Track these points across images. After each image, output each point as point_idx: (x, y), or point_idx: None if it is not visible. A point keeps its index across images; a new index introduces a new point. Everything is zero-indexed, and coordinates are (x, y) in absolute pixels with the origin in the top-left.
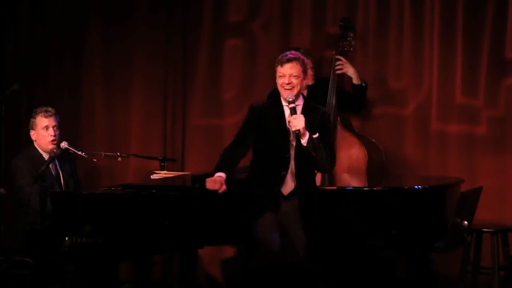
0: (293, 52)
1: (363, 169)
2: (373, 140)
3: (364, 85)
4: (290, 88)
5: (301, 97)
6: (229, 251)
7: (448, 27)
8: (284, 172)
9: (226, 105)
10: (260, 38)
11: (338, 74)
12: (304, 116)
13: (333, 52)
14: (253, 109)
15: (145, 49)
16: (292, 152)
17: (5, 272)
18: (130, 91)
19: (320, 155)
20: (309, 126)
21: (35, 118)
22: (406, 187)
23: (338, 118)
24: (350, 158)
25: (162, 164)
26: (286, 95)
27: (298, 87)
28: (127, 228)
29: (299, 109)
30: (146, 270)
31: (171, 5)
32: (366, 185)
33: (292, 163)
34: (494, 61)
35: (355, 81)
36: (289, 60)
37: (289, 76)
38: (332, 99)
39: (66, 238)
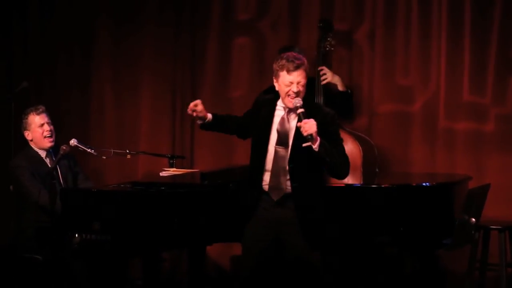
0: (296, 55)
1: (359, 164)
2: (364, 136)
3: (349, 92)
4: (295, 96)
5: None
6: (237, 248)
7: (456, 25)
8: (260, 176)
9: (235, 102)
10: (268, 37)
11: (323, 74)
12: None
13: (315, 54)
14: (256, 102)
15: (154, 47)
16: (284, 154)
17: (16, 269)
18: (139, 88)
19: (334, 160)
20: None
21: (27, 118)
22: (414, 184)
23: None
24: None
25: (171, 161)
26: (294, 102)
27: (303, 93)
28: (136, 225)
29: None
30: (155, 267)
31: (180, 3)
32: (368, 182)
33: (280, 165)
34: (502, 59)
35: (340, 88)
36: (297, 67)
37: (297, 84)
38: (320, 99)
39: (76, 235)
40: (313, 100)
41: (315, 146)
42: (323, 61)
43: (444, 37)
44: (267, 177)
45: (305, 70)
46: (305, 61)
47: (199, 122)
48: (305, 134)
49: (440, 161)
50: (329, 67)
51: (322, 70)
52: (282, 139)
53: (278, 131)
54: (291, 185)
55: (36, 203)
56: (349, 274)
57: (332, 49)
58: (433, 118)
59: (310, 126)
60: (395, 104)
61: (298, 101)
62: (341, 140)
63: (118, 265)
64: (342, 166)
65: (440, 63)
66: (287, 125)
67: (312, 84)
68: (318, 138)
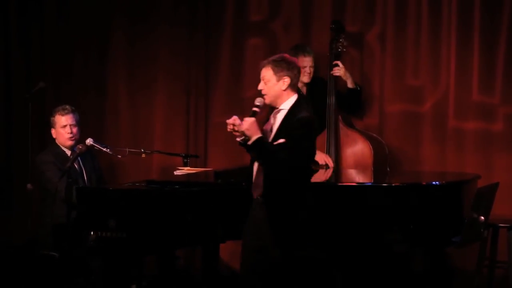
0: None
1: (370, 163)
2: (375, 135)
3: (358, 89)
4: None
5: (287, 101)
6: None
7: (465, 26)
8: (252, 175)
9: (248, 102)
10: (280, 38)
11: (336, 76)
12: (285, 121)
13: (328, 54)
14: None
15: (168, 47)
16: None
17: (33, 266)
18: (154, 88)
19: (262, 161)
20: (282, 131)
21: (54, 117)
22: (424, 183)
23: (340, 117)
24: (356, 155)
25: (185, 160)
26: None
27: (269, 92)
28: (151, 223)
29: (283, 114)
30: (170, 264)
31: (194, 4)
32: (379, 181)
33: (259, 163)
34: (510, 60)
35: (350, 85)
36: (261, 66)
37: (262, 81)
38: (332, 99)
39: (92, 233)
40: (300, 103)
41: (249, 143)
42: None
43: (454, 38)
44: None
45: (270, 67)
46: (268, 60)
47: (239, 139)
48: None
49: (449, 160)
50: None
51: (337, 64)
52: (264, 138)
53: (263, 130)
54: (263, 183)
55: (59, 199)
56: (359, 270)
57: (344, 50)
58: (442, 118)
59: (242, 124)
60: (406, 104)
61: (258, 101)
62: (292, 147)
63: (133, 262)
64: (270, 169)
65: (449, 64)
66: (268, 124)
67: (324, 85)
68: (254, 137)
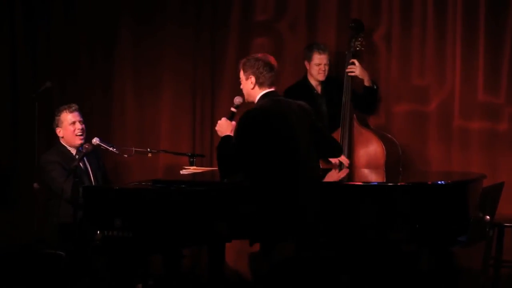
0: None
1: (382, 163)
2: (389, 135)
3: (375, 87)
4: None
5: (256, 99)
6: (256, 245)
7: (471, 26)
8: None
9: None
10: (286, 37)
11: (352, 65)
12: None
13: (345, 53)
14: None
15: (174, 47)
16: None
17: (39, 265)
18: (160, 88)
19: (217, 156)
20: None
21: (59, 116)
22: (430, 183)
23: (355, 115)
24: (369, 154)
25: (191, 159)
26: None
27: (243, 91)
28: (157, 222)
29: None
30: (176, 263)
31: (200, 3)
32: (389, 181)
33: None
34: None
35: (367, 83)
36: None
37: None
38: (347, 98)
39: (98, 232)
40: (260, 99)
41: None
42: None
43: (459, 38)
44: None
45: (240, 67)
46: (243, 59)
47: None
48: None
49: (455, 159)
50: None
51: (353, 62)
52: (230, 138)
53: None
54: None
55: (64, 199)
56: (365, 270)
57: (363, 49)
58: (448, 117)
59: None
60: (411, 104)
61: (237, 100)
62: (235, 143)
63: (139, 261)
64: (219, 164)
65: (455, 64)
66: None
67: (339, 83)
68: (222, 135)
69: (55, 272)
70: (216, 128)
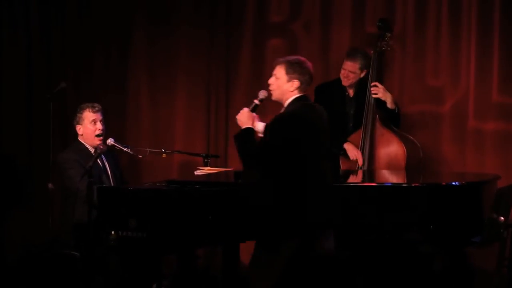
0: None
1: (402, 165)
2: (411, 137)
3: (397, 111)
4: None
5: (288, 100)
6: None
7: (485, 27)
8: None
9: (268, 103)
10: (301, 38)
11: (377, 75)
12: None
13: (371, 52)
14: None
15: (188, 47)
16: None
17: (53, 265)
18: (174, 88)
19: (238, 151)
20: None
21: (81, 113)
22: (444, 183)
23: (377, 116)
24: (389, 155)
25: (206, 160)
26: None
27: (277, 89)
28: (171, 222)
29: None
30: (190, 264)
31: (215, 4)
32: (405, 182)
33: None
34: None
35: (390, 105)
36: (277, 62)
37: (273, 76)
38: (370, 98)
39: (112, 232)
40: (293, 102)
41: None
42: (378, 61)
43: (474, 39)
44: None
45: (283, 66)
46: (284, 59)
47: None
48: None
49: (469, 160)
50: (383, 67)
51: (375, 85)
52: (252, 131)
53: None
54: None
55: (80, 199)
56: (379, 270)
57: (389, 49)
58: (462, 118)
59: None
60: (426, 105)
61: (262, 94)
62: (266, 142)
63: (153, 261)
64: (242, 159)
65: (469, 64)
66: None
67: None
68: (243, 126)
69: (70, 272)
70: (237, 116)
